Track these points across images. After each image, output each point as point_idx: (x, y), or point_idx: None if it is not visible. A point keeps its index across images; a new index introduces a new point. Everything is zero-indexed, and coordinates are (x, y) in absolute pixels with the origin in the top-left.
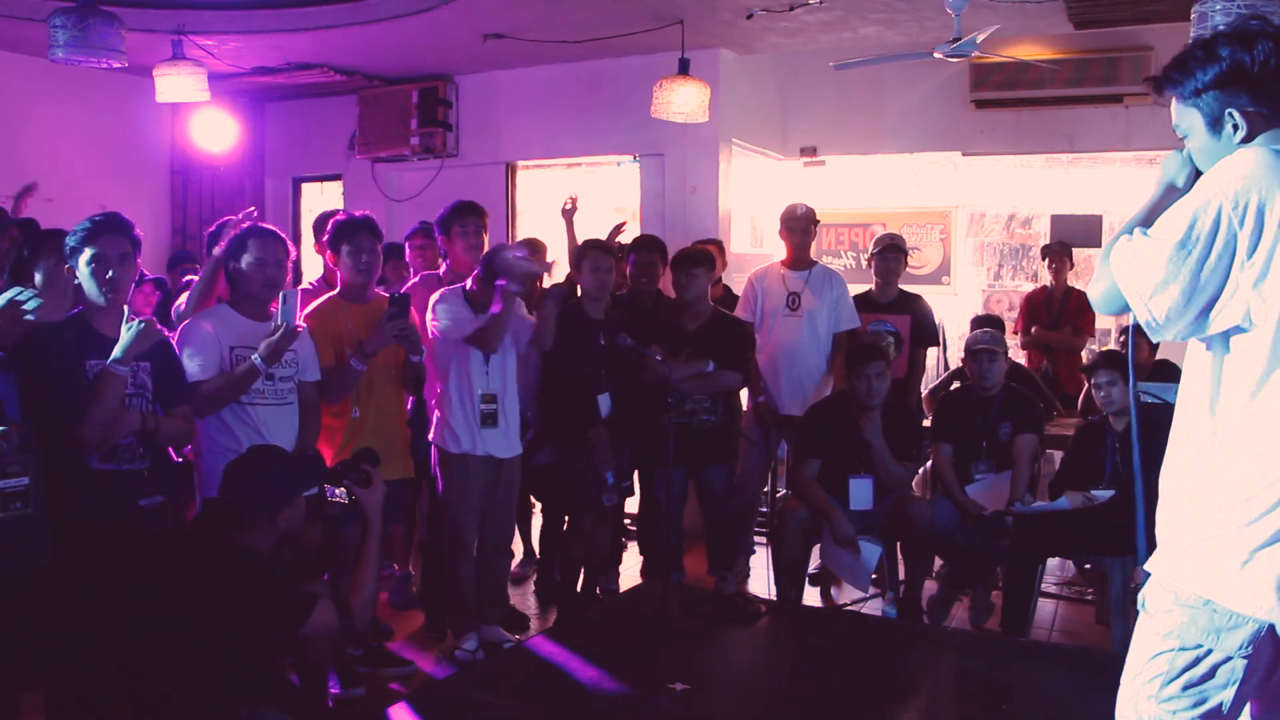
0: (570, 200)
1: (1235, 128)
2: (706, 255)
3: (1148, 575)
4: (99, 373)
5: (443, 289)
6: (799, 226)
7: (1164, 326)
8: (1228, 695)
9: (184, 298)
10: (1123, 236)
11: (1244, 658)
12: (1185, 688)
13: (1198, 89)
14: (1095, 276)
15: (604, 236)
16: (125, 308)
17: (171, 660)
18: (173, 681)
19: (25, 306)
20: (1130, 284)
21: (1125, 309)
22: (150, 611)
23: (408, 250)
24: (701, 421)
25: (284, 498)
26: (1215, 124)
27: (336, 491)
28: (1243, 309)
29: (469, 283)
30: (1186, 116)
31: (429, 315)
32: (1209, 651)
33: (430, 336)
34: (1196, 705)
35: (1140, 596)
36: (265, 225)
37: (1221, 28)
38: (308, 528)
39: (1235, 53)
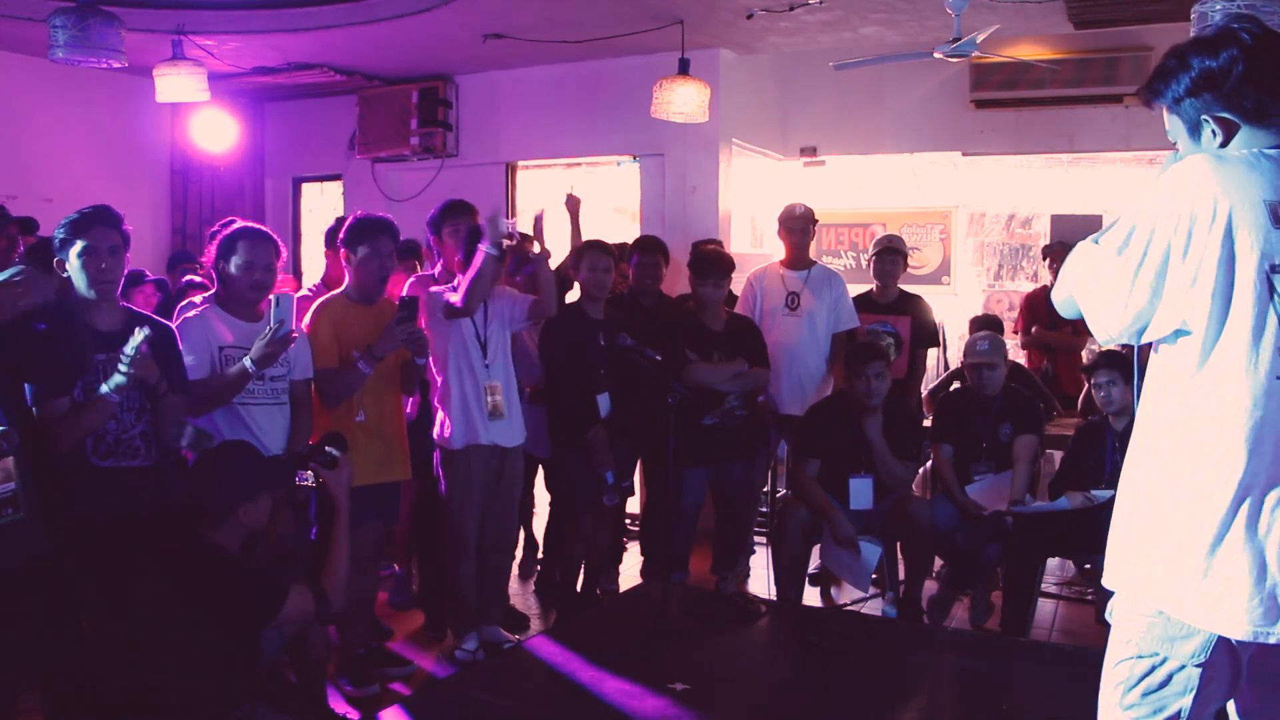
0: (571, 197)
1: (1213, 134)
2: (729, 261)
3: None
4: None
5: (434, 287)
6: (798, 226)
7: (1108, 331)
8: (1185, 703)
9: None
10: (1081, 243)
11: (1198, 666)
12: (1145, 694)
13: (1176, 98)
14: (1058, 281)
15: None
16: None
17: (163, 659)
18: (166, 680)
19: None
20: (1079, 290)
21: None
22: (140, 610)
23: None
24: (736, 417)
25: (245, 492)
26: (1195, 130)
27: (305, 475)
28: (1178, 316)
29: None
30: (1173, 124)
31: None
32: (1165, 660)
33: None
34: (1157, 713)
35: (1109, 606)
36: (255, 226)
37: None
38: (280, 519)
39: (1203, 61)
